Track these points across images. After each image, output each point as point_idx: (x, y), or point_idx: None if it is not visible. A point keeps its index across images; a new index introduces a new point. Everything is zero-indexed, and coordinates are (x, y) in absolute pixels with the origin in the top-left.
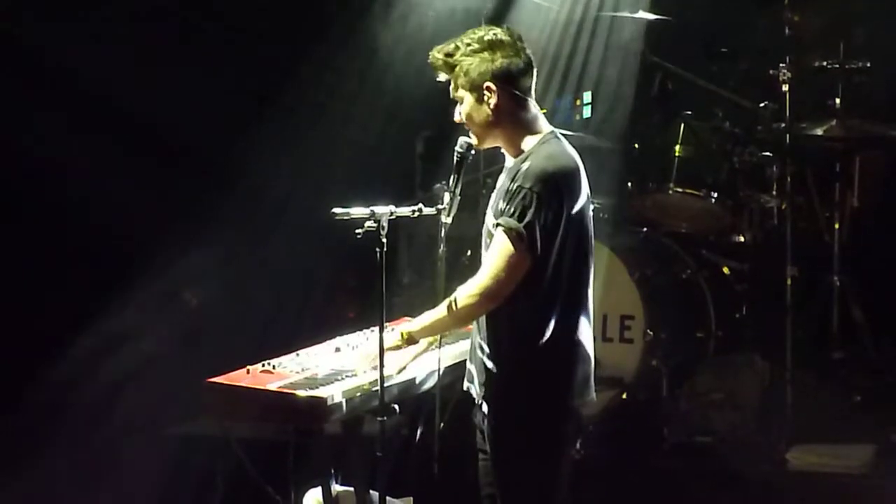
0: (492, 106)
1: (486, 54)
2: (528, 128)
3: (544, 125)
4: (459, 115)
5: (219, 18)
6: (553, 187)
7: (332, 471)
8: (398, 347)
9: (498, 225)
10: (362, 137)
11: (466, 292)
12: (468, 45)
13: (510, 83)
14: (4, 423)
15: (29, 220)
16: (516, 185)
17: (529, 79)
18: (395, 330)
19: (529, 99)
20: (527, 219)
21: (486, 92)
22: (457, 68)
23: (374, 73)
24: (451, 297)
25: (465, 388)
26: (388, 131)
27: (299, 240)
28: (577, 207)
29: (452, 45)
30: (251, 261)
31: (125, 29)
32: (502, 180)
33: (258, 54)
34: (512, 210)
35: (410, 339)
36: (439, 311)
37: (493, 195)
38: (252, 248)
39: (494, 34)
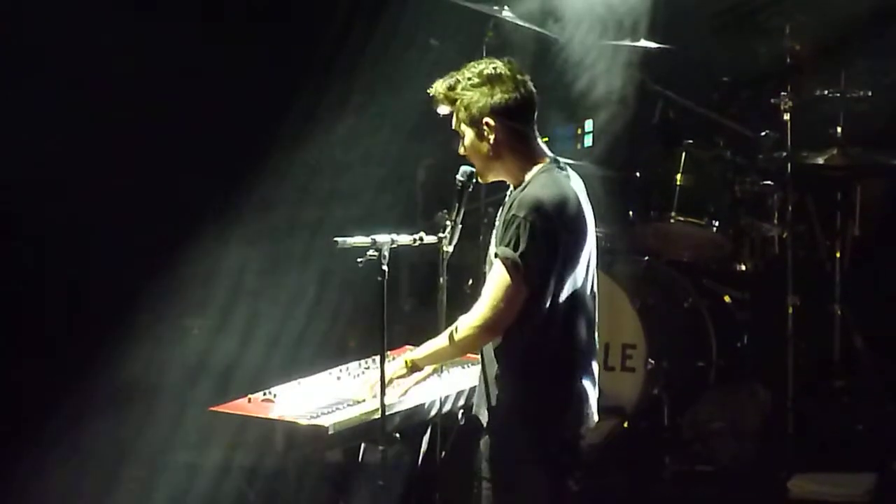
0: (491, 141)
1: (485, 89)
2: (530, 159)
3: (545, 156)
4: (462, 147)
5: (221, 48)
6: (546, 215)
7: (334, 499)
8: (403, 376)
9: (496, 255)
10: (363, 166)
11: (467, 323)
12: (468, 79)
13: (509, 117)
14: (7, 455)
15: (27, 244)
16: (511, 213)
17: (530, 111)
18: (399, 358)
19: (530, 131)
20: (521, 248)
21: (485, 127)
22: (457, 102)
23: (375, 101)
24: (453, 326)
25: (471, 414)
26: (390, 160)
27: (300, 268)
28: (574, 235)
29: (453, 79)
30: (252, 289)
31: (133, 60)
32: (502, 209)
33: (260, 83)
34: (507, 240)
35: (415, 367)
36: (441, 340)
37: (497, 225)
38: (253, 277)
39: (494, 68)
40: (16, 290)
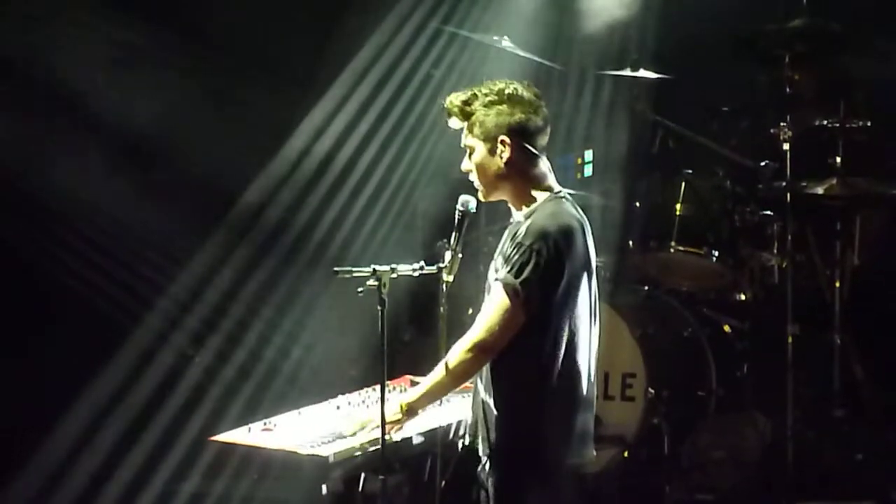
0: (504, 159)
1: (504, 107)
2: (537, 185)
3: (553, 184)
4: (468, 164)
5: (223, 72)
6: (553, 245)
7: None
8: (399, 421)
9: (496, 280)
10: (364, 195)
11: (460, 348)
12: (486, 95)
13: (525, 139)
14: (4, 486)
15: (27, 269)
16: (517, 241)
17: (544, 137)
18: (394, 401)
19: (542, 156)
20: (524, 275)
21: (499, 145)
22: (472, 117)
23: (376, 129)
24: (445, 358)
25: (467, 444)
26: (390, 189)
27: (301, 297)
28: (579, 268)
29: (470, 94)
30: (252, 318)
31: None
32: (506, 236)
33: (261, 107)
34: (510, 266)
35: (411, 411)
36: (436, 375)
37: (497, 250)
38: (253, 306)
39: (514, 88)
40: (16, 316)
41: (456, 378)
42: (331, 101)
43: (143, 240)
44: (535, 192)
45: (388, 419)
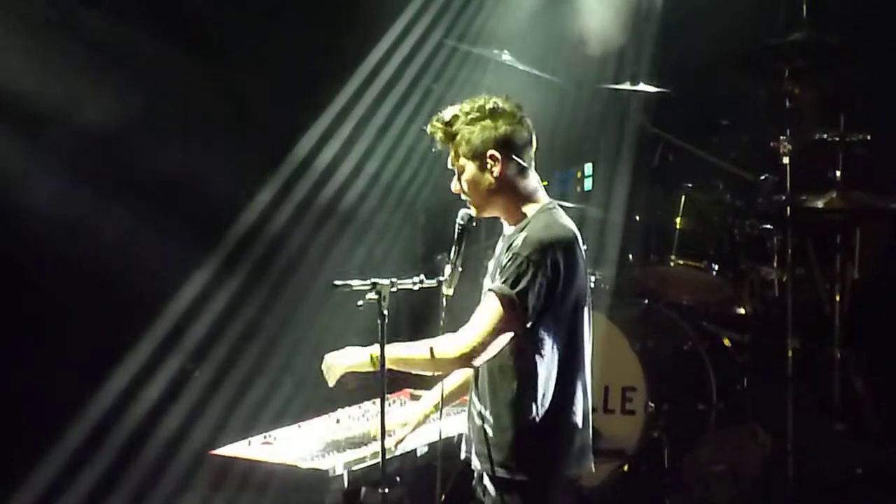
0: (495, 174)
1: (487, 122)
2: (528, 197)
3: (543, 195)
4: (458, 184)
5: (223, 82)
6: (550, 256)
7: None
8: (366, 365)
9: (490, 290)
10: (364, 209)
11: (450, 346)
12: (467, 113)
13: (513, 151)
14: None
15: (30, 281)
16: (513, 252)
17: (531, 148)
18: (364, 352)
19: (530, 168)
20: (521, 286)
21: (489, 160)
22: (457, 137)
23: (377, 143)
24: (434, 341)
25: (462, 458)
26: (390, 202)
27: (301, 310)
28: (573, 277)
29: (451, 114)
30: (251, 331)
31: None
32: (499, 248)
33: (264, 122)
34: (506, 277)
35: (374, 361)
36: (418, 350)
37: (491, 263)
38: (253, 319)
39: (495, 103)
40: (16, 329)
41: (433, 366)
42: (332, 114)
43: (144, 253)
44: (526, 205)
45: (358, 367)
